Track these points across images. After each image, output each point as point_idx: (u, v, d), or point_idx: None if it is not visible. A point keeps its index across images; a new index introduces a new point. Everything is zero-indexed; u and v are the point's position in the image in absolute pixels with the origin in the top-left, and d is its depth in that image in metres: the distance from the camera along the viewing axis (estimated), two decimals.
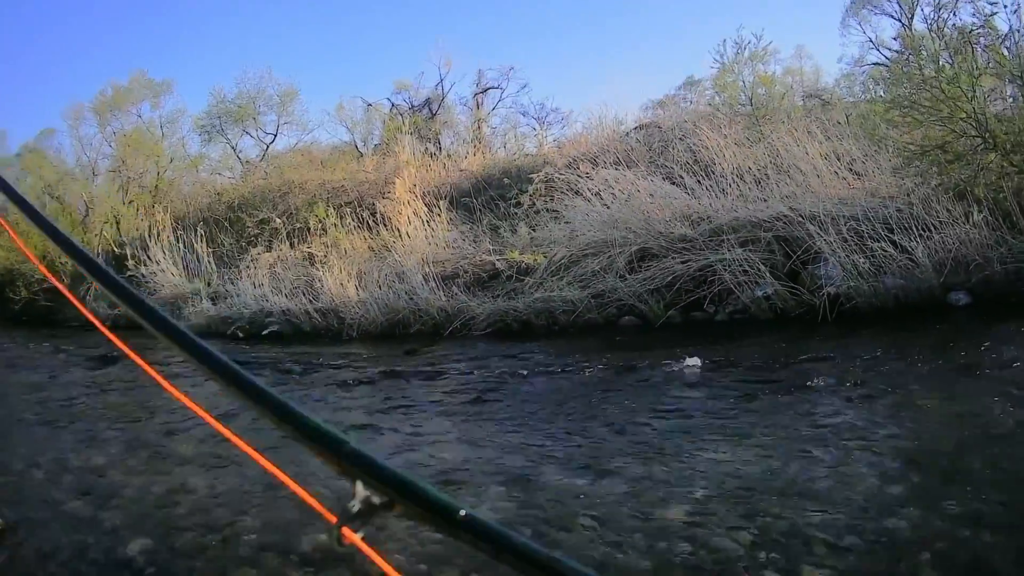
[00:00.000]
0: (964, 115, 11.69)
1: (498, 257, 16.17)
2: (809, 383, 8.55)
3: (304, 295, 17.19)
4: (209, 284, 20.96)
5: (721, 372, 9.58)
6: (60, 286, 2.89)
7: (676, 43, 53.68)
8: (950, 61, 12.60)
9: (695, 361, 9.97)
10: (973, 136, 11.77)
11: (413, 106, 31.91)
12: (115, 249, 25.02)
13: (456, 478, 6.69)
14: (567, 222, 16.12)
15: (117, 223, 26.19)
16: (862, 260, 11.48)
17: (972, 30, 13.15)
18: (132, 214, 26.22)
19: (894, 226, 11.70)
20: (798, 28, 57.49)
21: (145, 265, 22.64)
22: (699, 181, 15.12)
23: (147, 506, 6.55)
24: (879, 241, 11.53)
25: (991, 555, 4.50)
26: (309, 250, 20.08)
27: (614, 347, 11.81)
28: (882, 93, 16.24)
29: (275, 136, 31.64)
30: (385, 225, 19.49)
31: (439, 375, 11.33)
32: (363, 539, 1.20)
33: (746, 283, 12.19)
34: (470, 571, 4.68)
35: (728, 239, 12.78)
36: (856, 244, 11.72)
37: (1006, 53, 12.42)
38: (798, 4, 49.27)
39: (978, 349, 8.76)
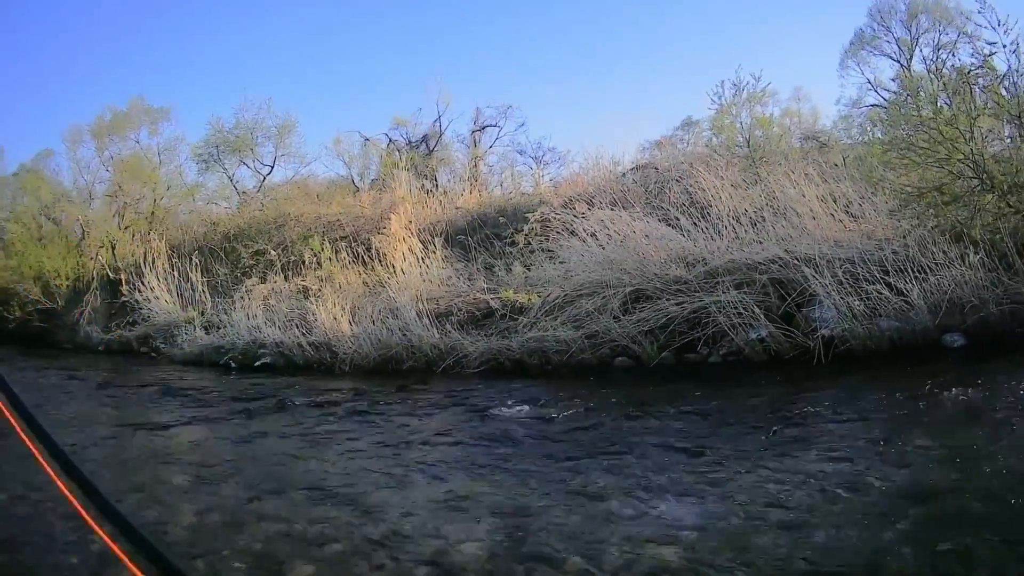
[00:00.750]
0: (961, 156, 11.70)
1: (492, 296, 16.16)
2: (802, 425, 8.55)
3: (297, 328, 17.13)
4: (203, 313, 20.99)
5: (714, 415, 9.56)
6: None
7: (675, 84, 54.16)
8: (948, 102, 12.60)
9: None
10: (970, 177, 11.78)
11: (411, 142, 32.14)
12: (110, 274, 25.04)
13: (445, 515, 6.67)
14: (562, 262, 16.11)
15: (112, 248, 26.26)
16: (857, 302, 11.46)
17: (971, 70, 13.12)
18: (128, 240, 26.32)
19: (889, 268, 11.70)
20: (797, 69, 57.80)
21: (139, 292, 22.71)
22: (695, 223, 15.10)
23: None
24: (874, 283, 11.53)
25: None
26: (303, 283, 20.13)
27: (607, 388, 11.74)
28: (880, 135, 16.20)
29: (272, 167, 31.84)
30: (380, 260, 19.51)
31: (430, 412, 11.32)
32: None
33: (740, 325, 12.15)
34: None
35: (723, 281, 12.78)
36: (851, 286, 11.70)
37: (1004, 93, 12.41)
38: (797, 45, 49.64)
39: (973, 391, 8.71)
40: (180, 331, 19.96)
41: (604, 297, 13.73)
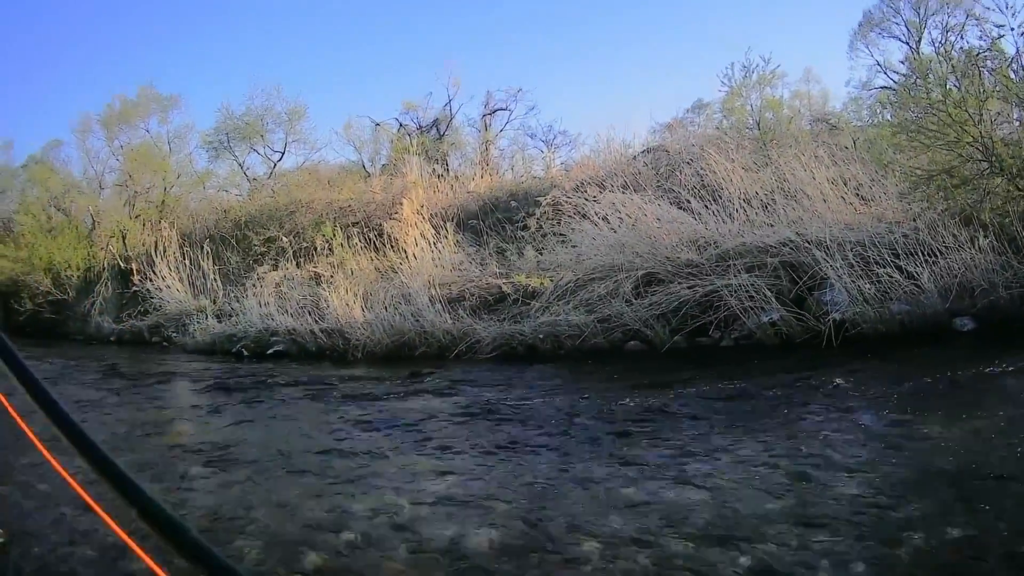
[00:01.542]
0: (971, 139, 11.68)
1: (504, 280, 16.19)
2: (813, 408, 8.55)
3: (310, 315, 17.13)
4: (215, 302, 21.00)
5: (724, 398, 9.56)
6: None
7: (686, 66, 53.85)
8: (957, 85, 12.57)
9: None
10: (979, 160, 11.76)
11: (421, 126, 31.97)
12: (121, 264, 25.04)
13: (459, 500, 6.67)
14: (574, 246, 16.11)
15: (123, 237, 26.17)
16: (868, 286, 11.48)
17: (979, 53, 13.09)
18: (138, 229, 26.18)
19: (900, 251, 11.71)
20: (807, 51, 57.40)
21: (151, 281, 22.70)
22: (706, 206, 15.09)
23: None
24: (885, 267, 11.53)
25: None
26: (315, 270, 20.12)
27: (619, 372, 11.77)
28: (889, 117, 16.16)
29: (283, 154, 31.62)
30: (392, 246, 19.52)
31: (444, 398, 11.31)
32: None
33: (752, 309, 12.17)
34: None
35: (734, 264, 12.78)
36: (862, 270, 11.71)
37: (1013, 76, 12.39)
38: (807, 27, 49.34)
39: (983, 375, 8.75)
40: (192, 320, 19.89)
41: (616, 281, 13.73)
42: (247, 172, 31.57)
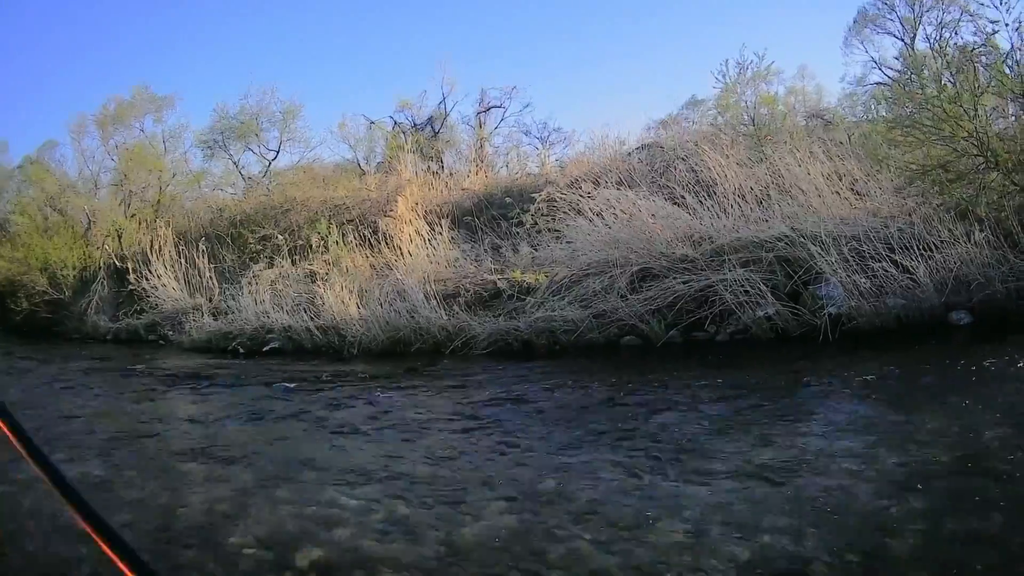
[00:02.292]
0: (966, 134, 11.70)
1: (499, 276, 16.18)
2: (809, 402, 8.61)
3: (305, 312, 17.17)
4: (210, 300, 21.04)
5: (721, 392, 9.56)
6: None
7: (681, 63, 53.98)
8: (952, 80, 12.59)
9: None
10: (975, 155, 11.77)
11: (416, 124, 31.92)
12: (117, 263, 25.08)
13: (455, 496, 6.70)
14: (569, 242, 16.10)
15: (119, 237, 26.24)
16: (863, 280, 11.47)
17: (974, 49, 13.12)
18: (134, 228, 26.30)
19: (895, 246, 11.69)
20: (802, 47, 57.49)
21: (147, 280, 22.72)
22: (701, 201, 15.09)
23: (145, 520, 6.62)
24: (880, 261, 11.51)
25: (993, 574, 4.49)
26: (311, 267, 20.11)
27: (614, 367, 11.83)
28: (884, 113, 16.17)
29: (277, 152, 31.76)
30: (387, 243, 19.50)
31: (439, 394, 11.38)
32: None
33: (747, 303, 12.17)
34: None
35: (729, 259, 12.77)
36: (857, 264, 11.70)
37: (1008, 71, 12.40)
38: (802, 23, 49.40)
39: (980, 369, 8.73)
40: (188, 318, 19.95)
41: (611, 276, 13.74)
42: (242, 171, 31.64)
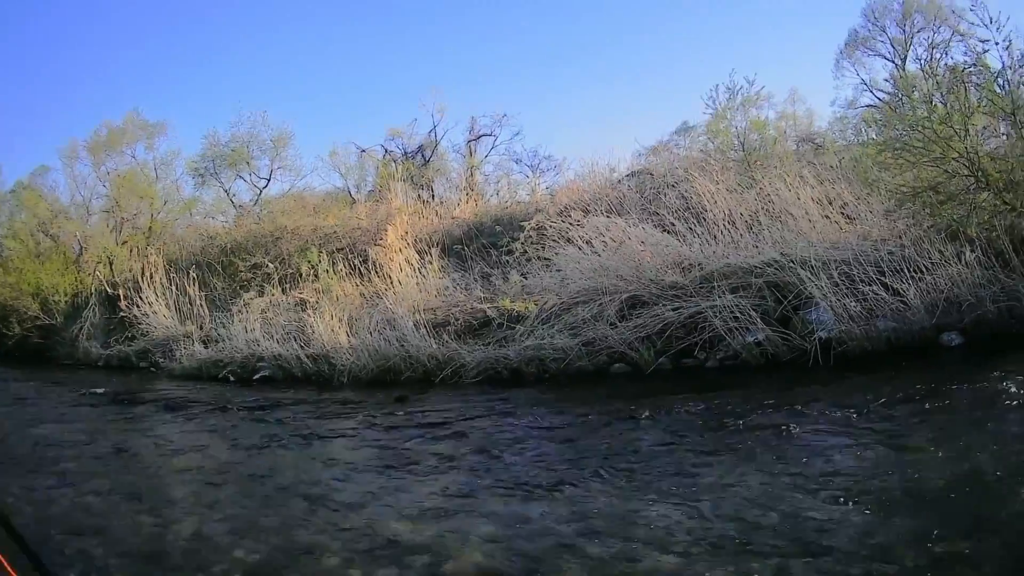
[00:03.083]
0: (956, 155, 11.65)
1: (489, 305, 16.16)
2: (800, 428, 8.53)
3: (295, 340, 17.16)
4: (201, 327, 21.00)
5: (709, 418, 9.54)
6: None
7: (672, 89, 54.37)
8: (942, 101, 12.58)
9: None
10: (966, 176, 11.73)
11: (406, 153, 32.25)
12: (108, 289, 25.07)
13: (443, 525, 6.72)
14: (558, 270, 16.10)
15: (110, 263, 26.24)
16: (853, 304, 11.44)
17: (964, 68, 13.10)
18: (125, 255, 26.28)
19: (886, 269, 11.66)
20: (792, 71, 57.86)
21: (138, 307, 22.72)
22: (691, 228, 15.10)
23: (134, 545, 6.70)
24: (871, 284, 11.49)
25: None
26: (301, 296, 20.14)
27: (604, 395, 11.79)
28: (874, 136, 16.17)
29: (268, 181, 31.94)
30: (377, 272, 19.51)
31: (429, 423, 11.30)
32: None
33: (737, 329, 12.13)
34: None
35: (719, 285, 12.76)
36: (847, 288, 11.67)
37: (999, 90, 12.39)
38: (792, 47, 49.92)
39: (971, 390, 8.73)
40: (179, 345, 19.88)
41: (600, 304, 13.71)
42: (233, 199, 31.83)
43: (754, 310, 12.14)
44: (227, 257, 24.98)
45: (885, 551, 5.14)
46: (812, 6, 51.19)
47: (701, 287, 13.07)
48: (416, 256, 19.64)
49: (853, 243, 12.85)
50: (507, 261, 18.79)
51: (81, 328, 24.67)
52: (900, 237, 12.43)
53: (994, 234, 11.50)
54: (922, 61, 25.15)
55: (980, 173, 11.57)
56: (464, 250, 20.50)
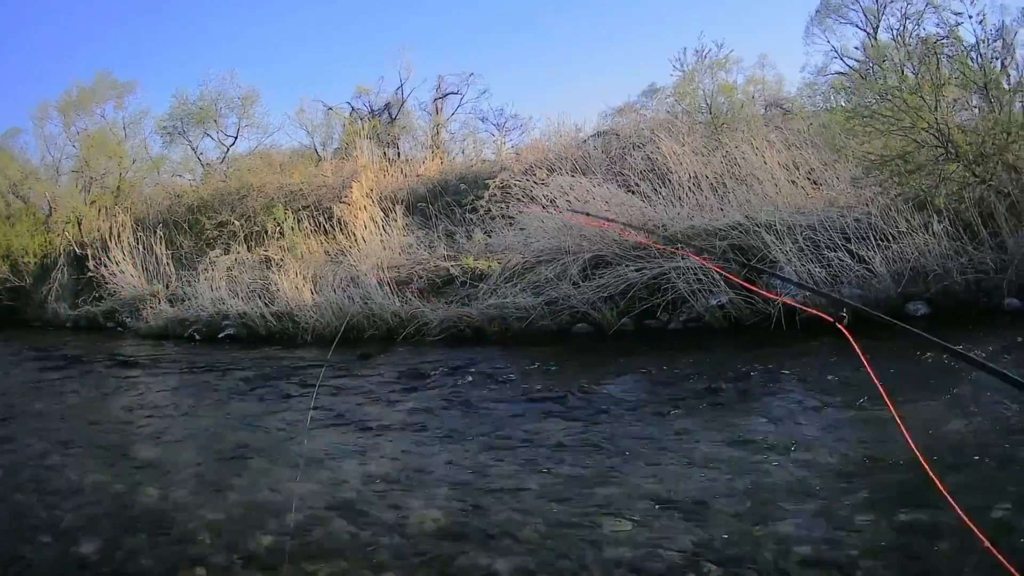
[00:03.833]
0: (926, 125, 11.63)
1: (452, 263, 16.22)
2: (760, 391, 8.59)
3: (260, 298, 17.17)
4: (167, 286, 20.89)
5: (671, 381, 9.56)
6: None
7: (640, 51, 54.07)
8: (914, 71, 12.57)
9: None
10: (935, 146, 11.72)
11: (373, 110, 32.08)
12: (76, 250, 24.93)
13: (404, 482, 6.75)
14: (522, 229, 16.13)
15: (79, 223, 26.02)
16: (818, 269, 11.47)
17: (937, 40, 13.10)
18: (94, 215, 26.07)
19: (852, 236, 11.72)
20: (762, 37, 57.58)
21: (105, 267, 22.53)
22: (656, 189, 15.15)
23: (102, 506, 6.67)
24: (836, 251, 11.53)
25: (945, 565, 4.49)
26: (266, 253, 20.09)
27: (565, 354, 11.85)
28: (844, 103, 16.14)
29: (235, 138, 31.67)
30: (341, 229, 19.54)
31: (391, 380, 11.36)
32: None
33: (700, 291, 12.15)
34: None
35: (683, 247, 12.65)
36: (813, 254, 11.72)
37: (972, 64, 12.38)
38: (763, 13, 49.63)
39: (937, 361, 8.69)
40: (145, 304, 19.85)
41: (563, 263, 13.76)
42: (200, 157, 31.47)
43: (718, 273, 12.10)
44: (194, 215, 24.88)
45: (845, 519, 5.15)
46: None
47: (665, 248, 13.00)
48: (381, 214, 19.65)
49: (819, 209, 12.94)
50: (471, 219, 18.77)
51: (50, 290, 24.56)
52: (867, 205, 12.42)
53: (963, 206, 11.52)
54: (894, 31, 25.09)
55: (950, 144, 11.57)
56: (428, 208, 20.54)
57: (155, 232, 22.90)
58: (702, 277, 12.14)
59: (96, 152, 27.31)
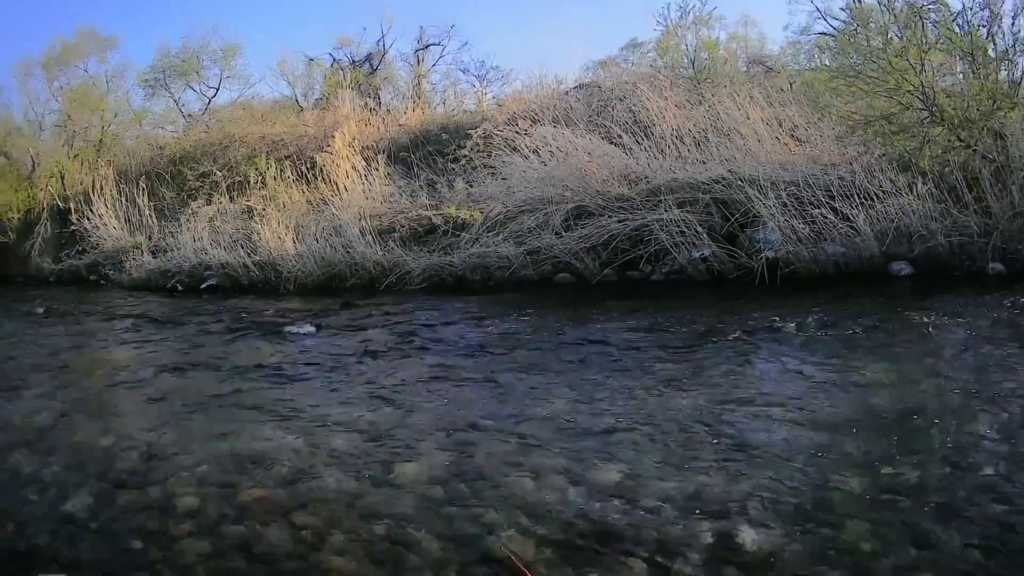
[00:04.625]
0: (911, 87, 11.63)
1: (434, 212, 16.24)
2: (742, 345, 8.53)
3: (242, 248, 17.18)
4: (150, 238, 20.89)
5: (654, 333, 9.53)
6: None
7: (623, 4, 53.59)
8: (899, 35, 12.56)
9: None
10: (919, 109, 11.72)
11: (354, 61, 32.10)
12: (60, 204, 24.86)
13: (389, 434, 6.67)
14: (504, 179, 16.14)
15: (62, 178, 26.02)
16: (802, 226, 11.47)
17: (922, 6, 13.09)
18: (77, 168, 26.09)
19: (835, 193, 11.68)
20: None
21: (88, 220, 22.52)
22: (638, 141, 15.08)
23: (90, 461, 6.57)
24: (820, 208, 11.52)
25: (928, 523, 4.45)
26: (248, 203, 20.09)
27: (547, 304, 11.88)
28: (828, 62, 16.11)
29: (217, 90, 31.55)
30: (323, 179, 19.57)
31: (374, 329, 11.31)
32: None
33: (683, 244, 12.16)
34: None
35: (666, 200, 12.75)
36: (796, 209, 11.70)
37: (957, 30, 12.39)
38: None
39: (918, 320, 8.69)
40: (128, 257, 19.87)
41: (546, 213, 13.79)
42: (182, 109, 31.42)
43: (701, 226, 12.19)
44: (176, 167, 24.85)
45: (831, 475, 5.11)
46: None
47: (647, 200, 13.10)
48: (362, 163, 19.66)
49: (802, 165, 12.91)
50: (453, 169, 18.87)
51: (33, 244, 24.56)
52: (851, 163, 12.42)
53: (947, 169, 11.52)
54: None
55: (935, 108, 11.57)
56: (410, 157, 20.48)
57: (137, 184, 22.87)
58: (685, 230, 12.16)
59: (79, 106, 27.22)
